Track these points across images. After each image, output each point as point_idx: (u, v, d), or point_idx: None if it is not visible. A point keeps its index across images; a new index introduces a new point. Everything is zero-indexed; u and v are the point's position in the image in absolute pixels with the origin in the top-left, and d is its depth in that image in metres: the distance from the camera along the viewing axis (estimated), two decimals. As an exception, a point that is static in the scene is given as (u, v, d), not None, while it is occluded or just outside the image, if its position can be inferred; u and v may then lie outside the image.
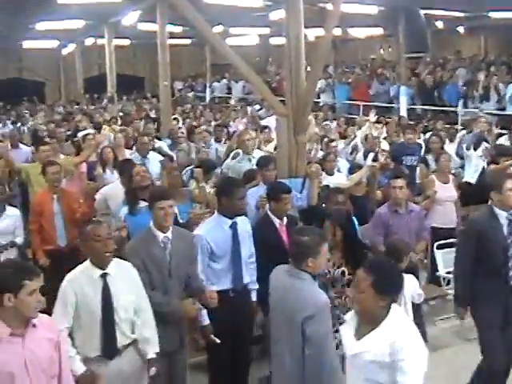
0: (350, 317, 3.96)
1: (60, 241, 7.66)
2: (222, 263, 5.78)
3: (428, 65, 19.82)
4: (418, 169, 10.41)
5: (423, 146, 11.42)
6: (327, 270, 5.46)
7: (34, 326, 3.86)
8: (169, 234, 5.45)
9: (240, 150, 9.45)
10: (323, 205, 7.44)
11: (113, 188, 7.92)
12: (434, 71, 18.74)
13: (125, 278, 4.86)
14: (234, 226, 5.83)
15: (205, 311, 5.60)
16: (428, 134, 12.66)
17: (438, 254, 8.04)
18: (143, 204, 6.56)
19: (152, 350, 4.92)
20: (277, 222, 6.25)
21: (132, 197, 6.95)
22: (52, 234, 7.63)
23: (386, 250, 5.95)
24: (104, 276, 4.75)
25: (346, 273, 5.60)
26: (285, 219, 6.29)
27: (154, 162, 9.39)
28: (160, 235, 5.43)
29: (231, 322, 5.74)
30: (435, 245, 8.09)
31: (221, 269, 5.78)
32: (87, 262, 4.79)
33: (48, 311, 4.18)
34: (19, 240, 7.79)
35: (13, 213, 7.80)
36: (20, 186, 9.97)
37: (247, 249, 5.96)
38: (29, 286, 3.72)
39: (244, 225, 5.97)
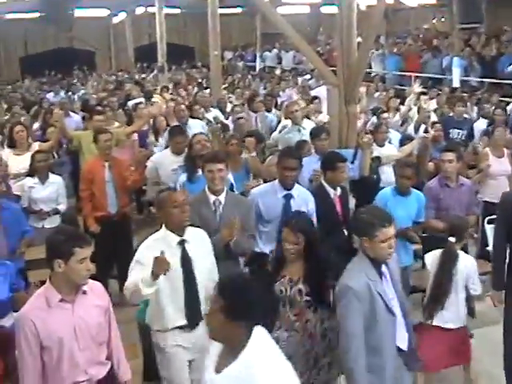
0: (212, 346, 3.35)
1: (111, 208, 7.70)
2: (269, 228, 5.80)
3: (482, 36, 19.37)
4: (469, 143, 10.23)
5: (475, 119, 11.22)
6: (282, 287, 4.72)
7: (85, 292, 3.93)
8: (221, 198, 5.50)
9: (288, 122, 9.41)
10: (374, 176, 7.41)
11: (164, 156, 7.96)
12: (488, 42, 18.32)
13: (200, 245, 4.80)
14: (287, 197, 5.81)
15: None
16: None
17: (489, 228, 7.89)
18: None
19: None
20: (331, 192, 6.22)
21: (191, 164, 6.99)
22: (103, 201, 7.67)
23: (447, 230, 5.78)
24: (182, 243, 4.69)
25: (304, 292, 4.69)
26: (338, 190, 6.25)
27: (194, 129, 9.44)
28: (212, 198, 5.49)
29: None
30: (486, 219, 7.95)
31: (267, 232, 5.80)
32: (163, 230, 4.70)
33: (98, 277, 4.21)
34: (62, 207, 7.89)
35: (55, 180, 7.88)
36: (70, 153, 10.08)
37: None
38: (79, 254, 3.76)
39: (303, 199, 5.90)
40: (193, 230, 4.80)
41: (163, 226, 4.71)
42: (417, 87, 11.89)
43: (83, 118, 12.07)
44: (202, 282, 4.71)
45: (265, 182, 6.87)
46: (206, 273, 4.76)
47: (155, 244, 4.59)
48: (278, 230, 5.67)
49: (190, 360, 4.81)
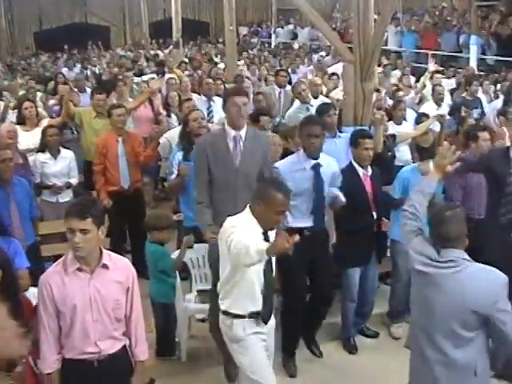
0: None
1: (123, 183, 7.74)
2: (299, 201, 5.64)
3: (500, 14, 19.09)
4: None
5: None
6: None
7: (106, 266, 3.94)
8: (242, 133, 5.39)
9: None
10: (389, 153, 7.35)
11: (177, 132, 7.93)
12: (504, 20, 18.07)
13: None
14: (316, 168, 5.68)
15: None
16: (499, 86, 12.30)
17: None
18: None
19: None
20: (360, 171, 6.08)
21: (187, 142, 6.92)
22: (116, 175, 7.71)
23: None
24: (266, 235, 4.36)
25: None
26: (369, 169, 6.13)
27: (219, 105, 9.36)
28: (232, 132, 5.38)
29: (307, 259, 5.73)
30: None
31: (297, 206, 5.63)
32: (250, 216, 4.36)
33: (113, 251, 4.19)
34: (74, 181, 7.92)
35: (67, 155, 7.89)
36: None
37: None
38: (66, 223, 3.80)
39: (329, 165, 5.80)
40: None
41: (249, 211, 4.39)
42: (432, 66, 11.77)
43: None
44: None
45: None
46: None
47: (246, 226, 4.29)
48: (314, 204, 5.73)
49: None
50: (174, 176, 6.99)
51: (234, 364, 4.85)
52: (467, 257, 3.83)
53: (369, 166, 6.12)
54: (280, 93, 11.05)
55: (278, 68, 14.57)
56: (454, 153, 4.34)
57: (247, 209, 4.41)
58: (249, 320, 4.49)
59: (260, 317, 4.52)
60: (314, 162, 5.70)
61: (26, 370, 4.00)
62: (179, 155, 6.94)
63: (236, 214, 4.49)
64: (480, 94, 11.09)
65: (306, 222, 5.75)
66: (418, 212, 4.23)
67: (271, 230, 4.35)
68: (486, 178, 6.07)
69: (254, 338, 4.52)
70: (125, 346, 4.13)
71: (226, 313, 4.55)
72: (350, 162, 6.17)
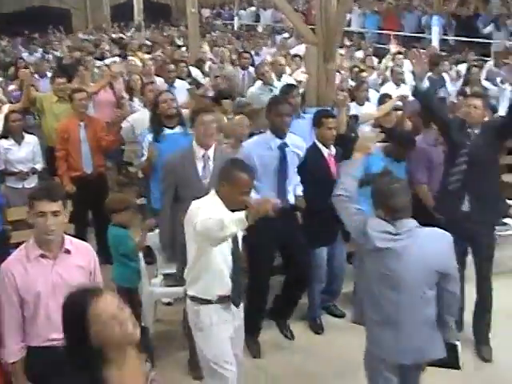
0: None
1: (86, 168, 7.68)
2: (265, 182, 5.66)
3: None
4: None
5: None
6: None
7: (68, 251, 3.92)
8: (210, 152, 5.37)
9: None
10: (352, 134, 7.37)
11: (140, 116, 7.86)
12: (466, 1, 18.20)
13: None
14: (282, 148, 5.72)
15: None
16: (460, 66, 12.38)
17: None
18: (168, 131, 6.62)
19: None
20: (325, 151, 6.09)
21: (157, 124, 6.87)
22: (78, 161, 7.64)
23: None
24: None
25: None
26: (333, 149, 6.14)
27: (180, 90, 9.31)
28: (201, 152, 5.37)
29: (275, 236, 5.76)
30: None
31: (262, 186, 5.59)
32: (214, 197, 4.34)
33: (77, 238, 4.16)
34: (39, 166, 7.88)
35: (31, 140, 7.85)
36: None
37: (293, 169, 5.88)
38: (36, 207, 3.76)
39: (296, 146, 5.85)
40: None
41: (214, 193, 4.37)
42: (394, 47, 11.82)
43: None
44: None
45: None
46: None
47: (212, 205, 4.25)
48: (278, 183, 5.74)
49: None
50: (144, 158, 6.95)
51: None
52: (416, 223, 4.02)
53: (332, 146, 6.14)
54: (244, 75, 11.03)
55: (241, 50, 14.51)
56: (376, 135, 4.40)
57: (212, 191, 4.39)
58: (216, 306, 4.45)
59: (230, 300, 4.48)
60: (280, 141, 5.72)
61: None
62: (149, 137, 6.89)
63: None
64: (443, 74, 11.19)
65: None
66: (351, 194, 4.32)
67: (237, 210, 4.32)
68: (446, 143, 6.09)
69: (219, 328, 4.46)
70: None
71: (193, 298, 4.49)
72: (314, 143, 6.18)
